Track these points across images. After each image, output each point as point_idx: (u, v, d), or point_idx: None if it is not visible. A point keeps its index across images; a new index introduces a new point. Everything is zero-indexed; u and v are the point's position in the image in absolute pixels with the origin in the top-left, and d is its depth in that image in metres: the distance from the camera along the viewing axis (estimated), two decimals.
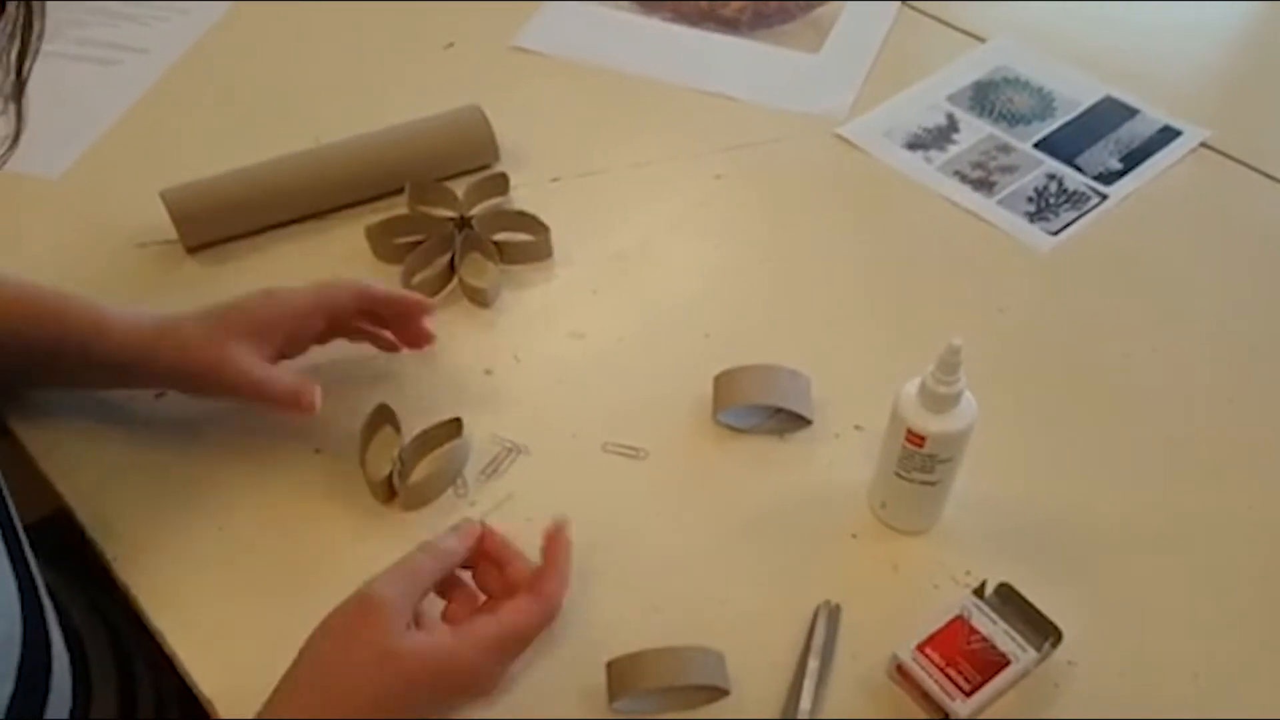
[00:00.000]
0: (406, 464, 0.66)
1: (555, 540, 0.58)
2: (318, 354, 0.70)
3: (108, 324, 0.64)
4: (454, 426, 0.68)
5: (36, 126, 0.89)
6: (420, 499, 0.65)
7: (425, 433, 0.67)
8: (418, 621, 0.54)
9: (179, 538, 0.64)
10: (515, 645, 0.55)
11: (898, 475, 0.60)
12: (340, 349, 0.72)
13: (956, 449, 0.59)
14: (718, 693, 0.57)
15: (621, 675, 0.56)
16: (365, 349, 0.72)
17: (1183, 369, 0.74)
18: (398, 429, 0.69)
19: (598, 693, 0.57)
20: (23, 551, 0.54)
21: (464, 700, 0.56)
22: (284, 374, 0.65)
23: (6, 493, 0.54)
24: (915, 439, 0.58)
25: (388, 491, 0.65)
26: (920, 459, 0.59)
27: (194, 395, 0.67)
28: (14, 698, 0.50)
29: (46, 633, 0.55)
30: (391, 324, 0.70)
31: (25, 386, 0.70)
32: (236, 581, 0.62)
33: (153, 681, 0.67)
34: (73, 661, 0.59)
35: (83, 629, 0.64)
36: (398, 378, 0.72)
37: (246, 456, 0.68)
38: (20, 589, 0.52)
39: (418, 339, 0.71)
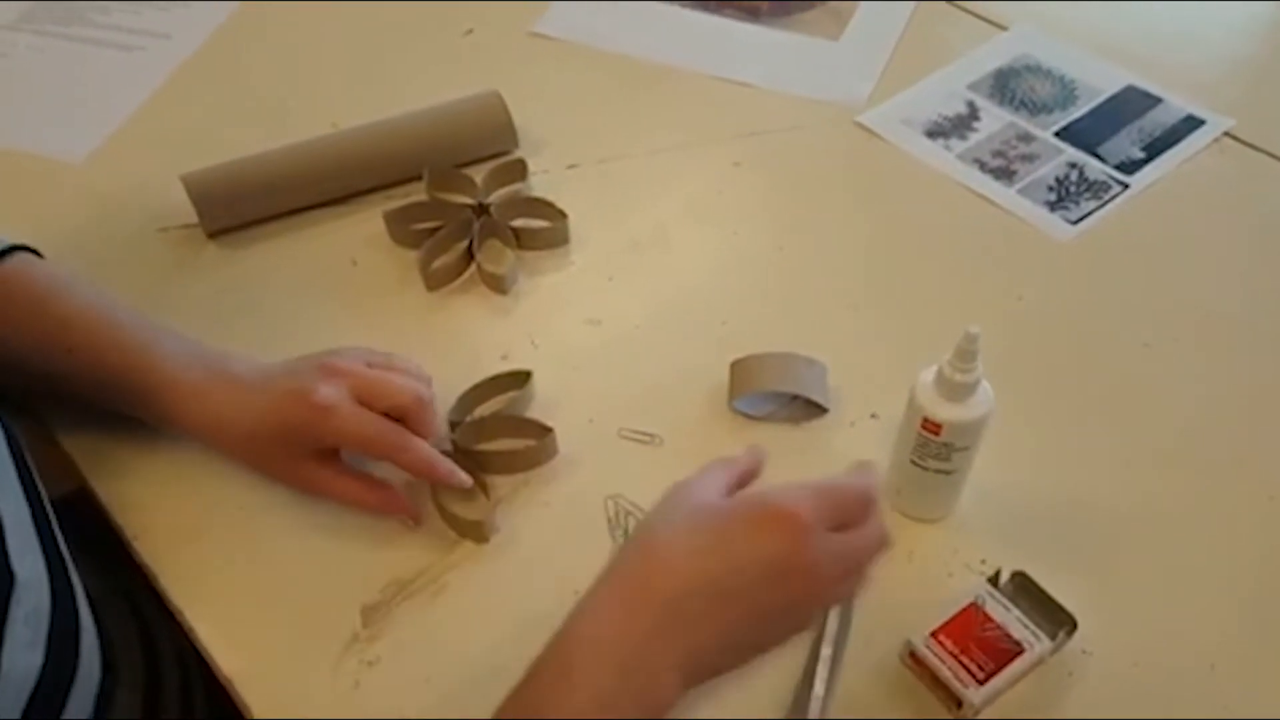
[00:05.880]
0: (464, 405, 0.68)
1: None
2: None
3: (156, 366, 0.62)
4: (522, 377, 0.69)
5: (60, 110, 0.90)
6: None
7: (494, 378, 0.69)
8: None
9: (200, 516, 0.65)
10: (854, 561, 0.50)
11: (914, 463, 0.60)
12: (346, 340, 0.73)
13: (973, 437, 0.59)
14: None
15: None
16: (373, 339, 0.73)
17: (1203, 359, 0.73)
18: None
19: None
20: (51, 529, 0.55)
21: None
22: (353, 481, 0.62)
23: (35, 472, 0.55)
24: (931, 427, 0.58)
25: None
26: (936, 447, 0.59)
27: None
28: (44, 668, 0.51)
29: (75, 608, 0.55)
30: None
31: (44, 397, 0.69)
32: (258, 559, 0.63)
33: (178, 662, 0.68)
34: (100, 642, 0.59)
35: (107, 610, 0.65)
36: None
37: None
38: (49, 565, 0.53)
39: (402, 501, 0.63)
